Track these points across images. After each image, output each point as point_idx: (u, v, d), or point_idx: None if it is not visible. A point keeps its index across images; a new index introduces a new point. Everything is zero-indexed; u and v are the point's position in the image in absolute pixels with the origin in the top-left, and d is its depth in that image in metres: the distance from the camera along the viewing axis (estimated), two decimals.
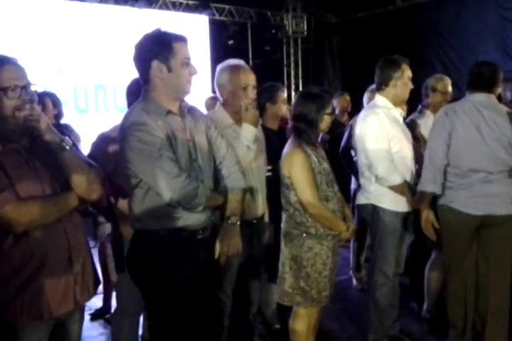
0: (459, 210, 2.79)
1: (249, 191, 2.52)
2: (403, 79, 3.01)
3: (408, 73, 3.03)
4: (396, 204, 2.98)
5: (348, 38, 9.45)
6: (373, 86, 3.78)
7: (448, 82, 3.68)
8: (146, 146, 1.96)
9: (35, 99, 1.86)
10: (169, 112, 2.07)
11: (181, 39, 2.05)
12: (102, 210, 2.58)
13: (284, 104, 3.24)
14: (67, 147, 1.86)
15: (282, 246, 2.68)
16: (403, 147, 2.99)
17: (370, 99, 3.66)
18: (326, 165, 2.68)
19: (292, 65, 9.22)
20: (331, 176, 2.69)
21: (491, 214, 2.76)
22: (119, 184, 2.34)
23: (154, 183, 1.98)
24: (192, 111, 2.21)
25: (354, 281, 4.32)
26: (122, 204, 2.39)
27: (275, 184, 2.81)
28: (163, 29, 2.06)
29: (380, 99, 3.08)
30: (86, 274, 1.97)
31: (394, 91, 3.03)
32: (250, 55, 8.47)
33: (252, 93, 2.59)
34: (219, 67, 2.64)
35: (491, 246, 2.84)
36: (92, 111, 6.84)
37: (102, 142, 2.59)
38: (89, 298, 2.04)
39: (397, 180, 2.92)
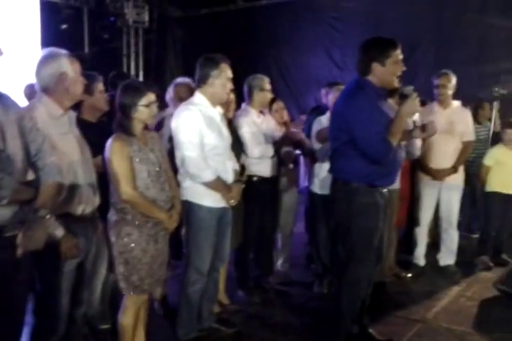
0: None
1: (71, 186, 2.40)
2: (221, 79, 2.98)
3: (227, 73, 3.00)
4: (210, 200, 3.01)
5: (192, 33, 9.47)
6: (178, 79, 3.76)
7: (267, 80, 3.86)
8: None
9: None
10: None
11: None
12: None
13: (102, 95, 3.09)
14: None
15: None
16: (218, 144, 3.00)
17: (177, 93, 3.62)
18: (151, 156, 2.69)
19: (133, 56, 8.95)
20: (158, 167, 2.70)
21: None
22: None
23: None
24: (3, 99, 2.05)
25: None
26: None
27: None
28: None
29: (197, 97, 3.05)
30: None
31: (211, 89, 3.00)
32: (86, 42, 8.05)
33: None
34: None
35: None
36: None
37: None
38: None
39: (208, 176, 2.94)
